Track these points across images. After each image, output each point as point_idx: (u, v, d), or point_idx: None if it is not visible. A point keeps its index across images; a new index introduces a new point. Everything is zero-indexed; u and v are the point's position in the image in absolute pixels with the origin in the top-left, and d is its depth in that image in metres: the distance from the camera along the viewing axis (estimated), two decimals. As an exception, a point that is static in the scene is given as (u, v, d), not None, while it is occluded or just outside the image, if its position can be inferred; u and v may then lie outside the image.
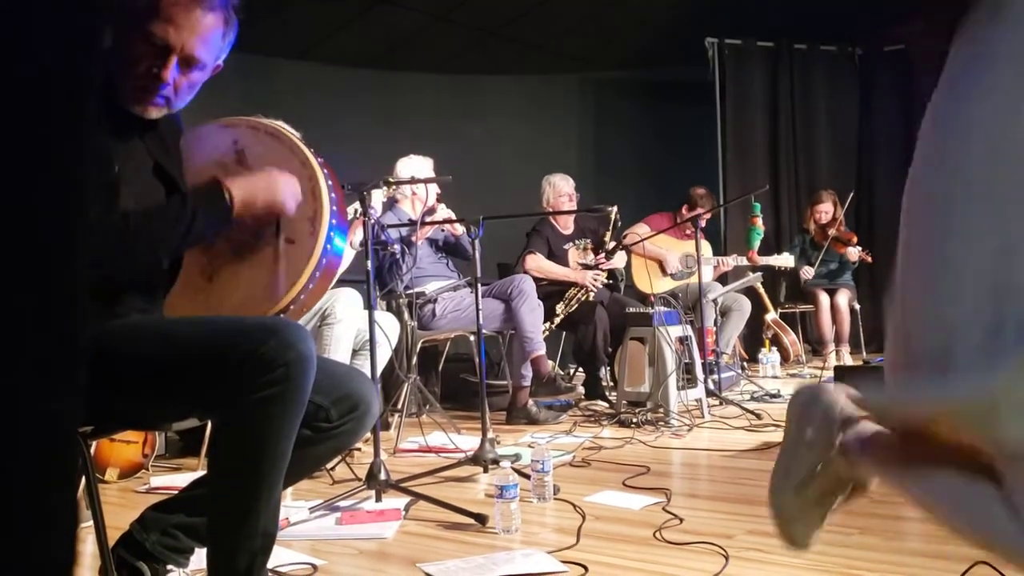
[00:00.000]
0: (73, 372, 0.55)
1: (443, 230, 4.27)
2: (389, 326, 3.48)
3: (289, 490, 2.12)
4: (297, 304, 1.65)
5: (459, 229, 4.17)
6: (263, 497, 1.43)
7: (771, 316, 6.05)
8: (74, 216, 0.55)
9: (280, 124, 1.87)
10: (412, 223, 4.01)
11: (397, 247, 3.95)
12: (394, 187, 3.91)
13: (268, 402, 1.38)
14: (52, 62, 0.53)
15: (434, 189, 3.97)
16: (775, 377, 5.55)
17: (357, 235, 3.67)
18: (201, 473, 1.92)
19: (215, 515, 1.49)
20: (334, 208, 1.65)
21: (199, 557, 1.71)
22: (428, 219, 3.93)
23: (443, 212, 4.03)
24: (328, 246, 1.63)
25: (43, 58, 0.52)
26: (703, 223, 4.88)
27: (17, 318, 0.52)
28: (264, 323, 1.46)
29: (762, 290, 5.93)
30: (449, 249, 4.39)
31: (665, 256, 5.46)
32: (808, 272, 6.07)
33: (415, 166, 4.17)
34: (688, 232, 5.35)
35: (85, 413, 1.38)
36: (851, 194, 6.25)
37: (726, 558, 1.88)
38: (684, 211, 5.37)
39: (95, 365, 1.21)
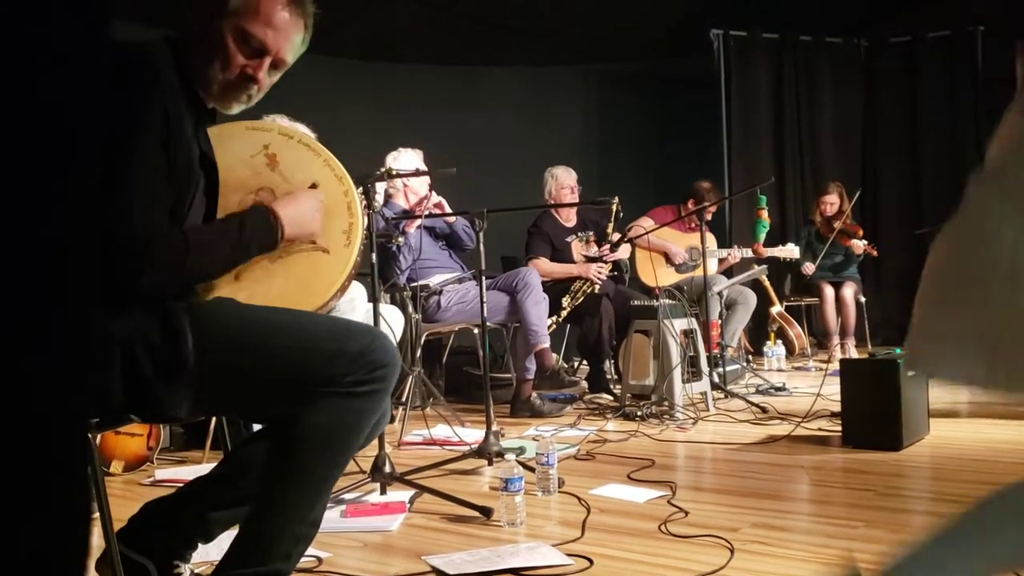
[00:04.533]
0: (86, 367, 0.55)
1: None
2: (394, 319, 3.48)
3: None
4: (325, 308, 1.69)
5: (451, 216, 4.12)
6: (328, 487, 1.50)
7: (776, 309, 6.03)
8: (88, 216, 0.55)
9: (302, 128, 1.90)
10: (408, 215, 3.99)
11: (403, 239, 3.93)
12: (393, 180, 3.89)
13: (365, 398, 1.46)
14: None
15: (426, 180, 3.95)
16: (780, 370, 5.54)
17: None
18: (207, 467, 1.92)
19: (277, 499, 1.47)
20: (365, 220, 1.75)
21: (202, 551, 1.72)
22: (436, 212, 3.92)
23: (435, 198, 4.00)
24: (359, 259, 1.71)
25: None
26: (708, 216, 4.87)
27: (31, 316, 0.51)
28: (362, 327, 1.55)
29: (767, 283, 5.92)
30: (446, 239, 4.36)
31: (670, 249, 5.44)
32: (809, 268, 6.05)
33: (405, 160, 4.13)
34: (693, 225, 5.33)
35: (97, 406, 1.38)
36: (858, 192, 6.21)
37: (731, 551, 1.88)
38: (690, 205, 5.34)
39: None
